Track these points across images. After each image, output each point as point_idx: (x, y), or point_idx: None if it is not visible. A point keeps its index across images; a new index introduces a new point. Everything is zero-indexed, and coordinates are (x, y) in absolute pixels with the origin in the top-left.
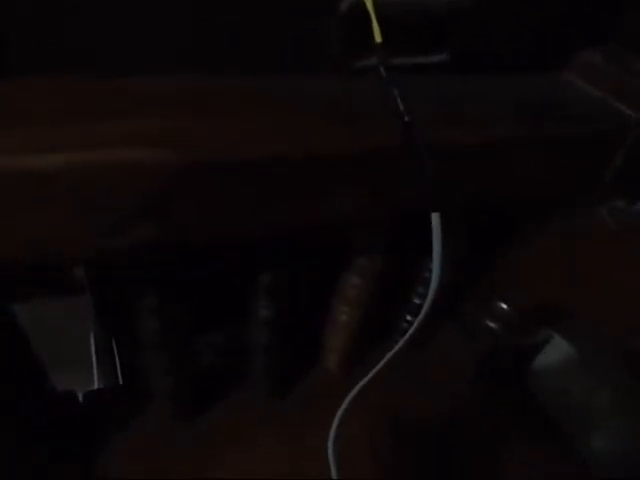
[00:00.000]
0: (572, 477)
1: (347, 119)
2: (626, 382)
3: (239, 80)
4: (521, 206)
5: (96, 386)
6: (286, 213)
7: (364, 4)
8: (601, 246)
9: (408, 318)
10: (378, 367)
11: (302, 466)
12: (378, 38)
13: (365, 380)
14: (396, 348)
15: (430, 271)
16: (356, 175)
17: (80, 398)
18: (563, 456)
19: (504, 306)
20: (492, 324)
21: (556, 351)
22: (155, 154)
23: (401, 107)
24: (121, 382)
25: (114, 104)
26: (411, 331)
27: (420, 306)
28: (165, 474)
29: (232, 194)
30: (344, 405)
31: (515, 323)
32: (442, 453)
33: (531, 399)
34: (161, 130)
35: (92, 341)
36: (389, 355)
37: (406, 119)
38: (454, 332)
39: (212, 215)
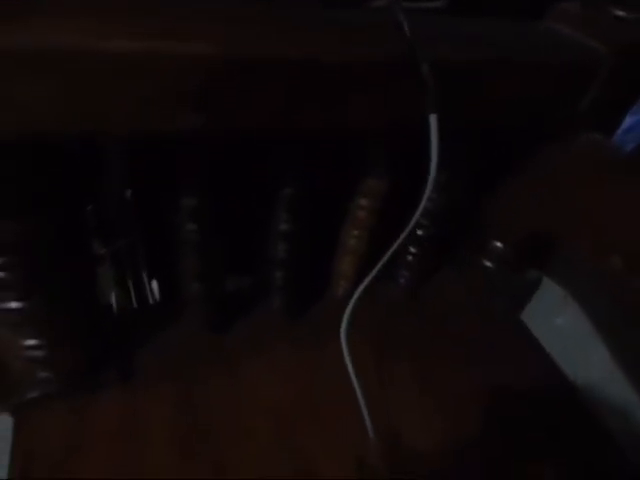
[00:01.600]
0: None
1: (360, 36)
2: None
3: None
4: (507, 134)
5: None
6: (307, 115)
7: None
8: (584, 176)
9: (411, 250)
10: (387, 256)
11: (318, 372)
12: None
13: (374, 271)
14: (401, 238)
15: (432, 200)
16: (367, 82)
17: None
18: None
19: (499, 244)
20: (487, 263)
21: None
22: (192, 47)
23: (405, 27)
24: (152, 298)
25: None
26: (412, 222)
27: (422, 237)
28: (192, 380)
29: (261, 91)
30: (354, 298)
31: (509, 261)
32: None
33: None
34: (195, 28)
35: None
36: (394, 246)
37: (408, 34)
38: (451, 271)
39: (245, 109)
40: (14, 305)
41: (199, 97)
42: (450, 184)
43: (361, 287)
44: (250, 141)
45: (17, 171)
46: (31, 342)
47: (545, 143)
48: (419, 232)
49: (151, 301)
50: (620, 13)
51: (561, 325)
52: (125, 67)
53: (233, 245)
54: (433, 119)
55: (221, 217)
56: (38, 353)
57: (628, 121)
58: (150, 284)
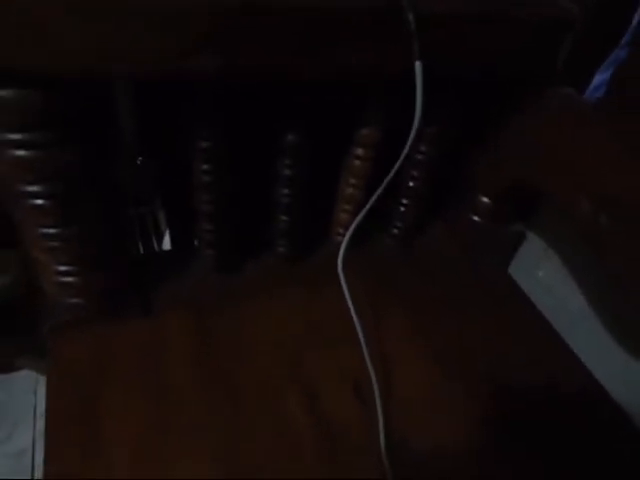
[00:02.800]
0: None
1: None
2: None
3: None
4: (490, 88)
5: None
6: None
7: None
8: (558, 128)
9: (404, 202)
10: (382, 187)
11: (318, 307)
12: None
13: (367, 207)
14: (396, 167)
15: (422, 152)
16: (356, 30)
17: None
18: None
19: (485, 199)
20: (475, 217)
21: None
22: None
23: None
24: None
25: None
26: (396, 166)
27: (414, 188)
28: (206, 311)
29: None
30: (348, 234)
31: (494, 215)
32: (430, 307)
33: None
34: None
35: None
36: (390, 174)
37: None
38: (443, 225)
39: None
40: (51, 231)
41: (216, 38)
42: (439, 137)
43: (357, 220)
44: (257, 90)
45: (59, 105)
46: (64, 268)
47: (524, 98)
48: (411, 184)
49: (165, 247)
50: None
51: (543, 277)
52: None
53: (242, 190)
54: (418, 66)
55: (232, 160)
56: (70, 279)
57: (597, 79)
58: (164, 232)
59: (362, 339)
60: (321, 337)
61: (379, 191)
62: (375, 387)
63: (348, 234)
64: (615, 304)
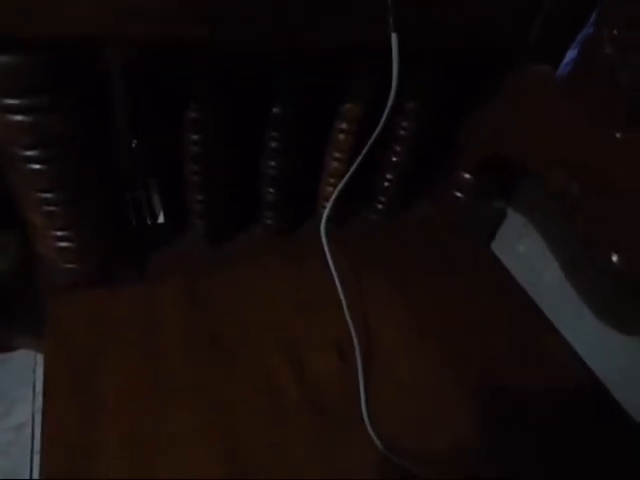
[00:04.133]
0: None
1: None
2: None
3: None
4: (468, 66)
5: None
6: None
7: None
8: (533, 102)
9: (388, 176)
10: (360, 157)
11: (304, 275)
12: None
13: (347, 177)
14: (372, 138)
15: (404, 128)
16: (341, 3)
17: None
18: None
19: (467, 175)
20: (457, 193)
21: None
22: None
23: None
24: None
25: None
26: (372, 139)
27: (397, 163)
28: (197, 278)
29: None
30: (331, 200)
31: (476, 191)
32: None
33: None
34: None
35: None
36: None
37: None
38: (427, 201)
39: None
40: (47, 195)
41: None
42: (420, 112)
43: (339, 187)
44: (245, 64)
45: (57, 71)
46: (60, 233)
47: (500, 74)
48: (394, 159)
49: (158, 220)
50: None
51: (523, 251)
52: None
53: (231, 162)
54: (394, 38)
55: (220, 132)
56: (66, 244)
57: (569, 55)
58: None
59: (344, 303)
60: (307, 303)
61: (358, 160)
62: (356, 346)
63: (331, 200)
64: (589, 276)
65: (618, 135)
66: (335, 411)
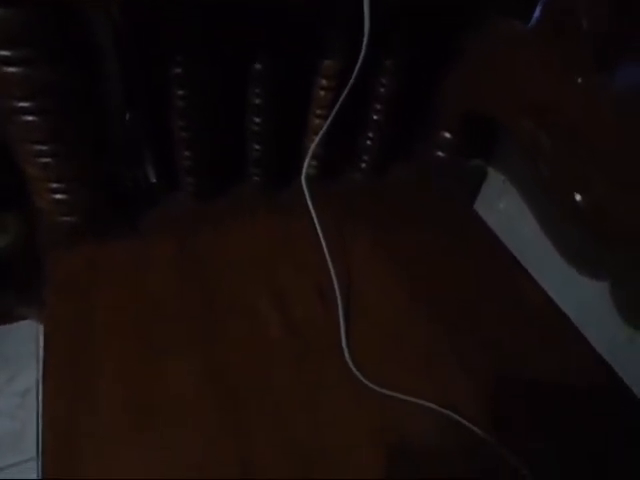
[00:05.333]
0: None
1: None
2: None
3: None
4: (441, 23)
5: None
6: None
7: None
8: (503, 54)
9: (370, 135)
10: (335, 108)
11: (288, 228)
12: None
13: (326, 125)
14: (345, 91)
15: (383, 85)
16: None
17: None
18: None
19: (447, 134)
20: (438, 152)
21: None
22: None
23: None
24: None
25: None
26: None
27: (378, 121)
28: (187, 232)
29: None
30: (312, 148)
31: (455, 150)
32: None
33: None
34: None
35: None
36: (341, 98)
37: None
38: (409, 161)
39: None
40: (42, 147)
41: None
42: (397, 69)
43: (317, 139)
44: (227, 18)
45: (47, 24)
46: (56, 185)
47: (473, 31)
48: (375, 117)
49: (150, 180)
50: None
51: (503, 208)
52: None
53: (217, 119)
54: None
55: (204, 87)
56: (62, 196)
57: (538, 10)
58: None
59: (326, 251)
60: (292, 254)
61: (332, 114)
62: (337, 289)
63: (310, 150)
64: (563, 227)
65: (580, 80)
66: (317, 346)
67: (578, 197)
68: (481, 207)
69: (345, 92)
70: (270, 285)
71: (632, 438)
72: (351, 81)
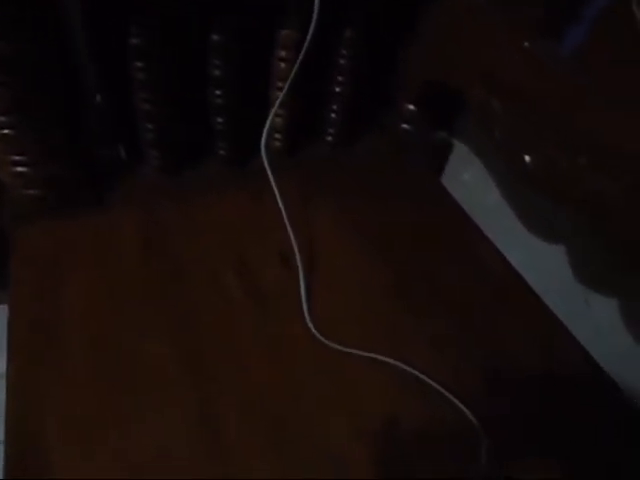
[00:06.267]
0: None
1: None
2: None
3: None
4: None
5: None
6: None
7: None
8: (461, 26)
9: (334, 107)
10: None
11: (254, 201)
12: None
13: (281, 95)
14: (299, 60)
15: (344, 57)
16: None
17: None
18: None
19: (411, 107)
20: (404, 125)
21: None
22: None
23: None
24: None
25: None
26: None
27: (341, 93)
28: (154, 206)
29: None
30: (271, 115)
31: (420, 122)
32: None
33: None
34: None
35: None
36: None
37: None
38: (375, 134)
39: None
40: (3, 118)
41: None
42: (357, 40)
43: (273, 109)
44: None
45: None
46: (18, 157)
47: (433, 1)
48: (337, 89)
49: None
50: None
51: (467, 179)
52: None
53: (178, 91)
54: None
55: (163, 58)
56: (24, 169)
57: None
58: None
59: (286, 219)
60: (255, 223)
61: (287, 84)
62: (297, 255)
63: (268, 120)
64: (522, 195)
65: (526, 45)
66: (279, 309)
67: (527, 158)
68: (447, 179)
69: (298, 62)
70: (234, 254)
71: (580, 390)
72: (303, 51)
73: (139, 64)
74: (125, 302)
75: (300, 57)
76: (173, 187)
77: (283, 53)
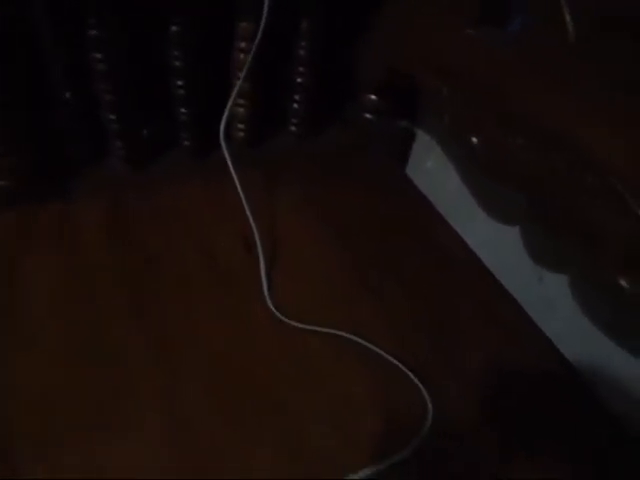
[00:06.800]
0: None
1: None
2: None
3: None
4: None
5: None
6: None
7: None
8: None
9: (296, 97)
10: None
11: (217, 188)
12: None
13: (238, 85)
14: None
15: (303, 48)
16: None
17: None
18: None
19: (372, 97)
20: (366, 115)
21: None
22: None
23: None
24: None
25: None
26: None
27: (302, 84)
28: (120, 196)
29: None
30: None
31: (381, 111)
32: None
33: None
34: None
35: None
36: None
37: None
38: (338, 125)
39: None
40: None
41: None
42: (312, 32)
43: (231, 97)
44: None
45: None
46: None
47: None
48: (298, 80)
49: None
50: None
51: (430, 167)
52: None
53: (139, 81)
54: None
55: (122, 49)
56: None
57: None
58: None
59: (246, 206)
60: (219, 211)
61: (243, 74)
62: (257, 238)
63: (227, 109)
64: (479, 180)
65: (470, 31)
66: (240, 290)
67: (474, 139)
68: (411, 168)
69: (252, 53)
70: (198, 240)
71: (529, 362)
72: (256, 42)
73: (98, 55)
74: (90, 287)
75: (253, 48)
76: (138, 178)
77: (242, 44)
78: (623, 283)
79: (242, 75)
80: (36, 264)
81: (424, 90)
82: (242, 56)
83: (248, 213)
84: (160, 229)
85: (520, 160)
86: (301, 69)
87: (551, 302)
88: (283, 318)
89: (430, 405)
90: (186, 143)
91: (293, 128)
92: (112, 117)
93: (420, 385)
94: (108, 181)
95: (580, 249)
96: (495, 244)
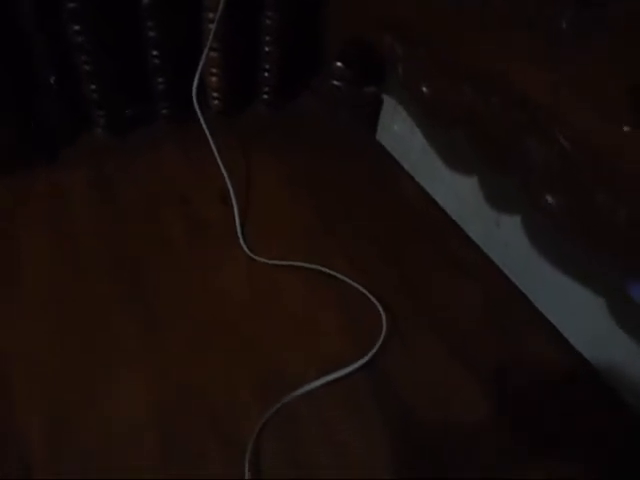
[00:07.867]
0: None
1: None
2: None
3: None
4: None
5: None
6: None
7: None
8: None
9: (266, 67)
10: (211, 36)
11: (195, 153)
12: None
13: (207, 48)
14: (214, 29)
15: (269, 17)
16: None
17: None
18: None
19: (339, 64)
20: (334, 82)
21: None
22: None
23: None
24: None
25: None
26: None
27: (270, 53)
28: (103, 164)
29: None
30: (199, 68)
31: (349, 78)
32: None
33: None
34: None
35: None
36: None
37: None
38: (309, 93)
39: None
40: None
41: None
42: (278, 1)
43: (201, 61)
44: None
45: None
46: None
47: None
48: (267, 49)
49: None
50: None
51: (397, 130)
52: None
53: (117, 51)
54: None
55: (99, 21)
56: None
57: None
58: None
59: (221, 165)
60: (198, 174)
61: (208, 45)
62: (232, 195)
63: (197, 73)
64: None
65: None
66: (216, 237)
67: (424, 89)
68: (380, 132)
69: (215, 22)
70: (177, 198)
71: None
72: (218, 13)
73: (76, 27)
74: (78, 249)
75: (216, 18)
76: (118, 145)
77: (210, 15)
78: (549, 199)
79: (208, 44)
80: (25, 229)
81: (383, 51)
82: (210, 26)
83: (223, 171)
84: (142, 189)
85: (463, 104)
86: (268, 38)
87: (508, 244)
88: (255, 256)
89: (384, 320)
90: (164, 112)
91: (265, 96)
92: (93, 87)
93: (377, 303)
94: (91, 148)
95: (517, 178)
96: (457, 193)
